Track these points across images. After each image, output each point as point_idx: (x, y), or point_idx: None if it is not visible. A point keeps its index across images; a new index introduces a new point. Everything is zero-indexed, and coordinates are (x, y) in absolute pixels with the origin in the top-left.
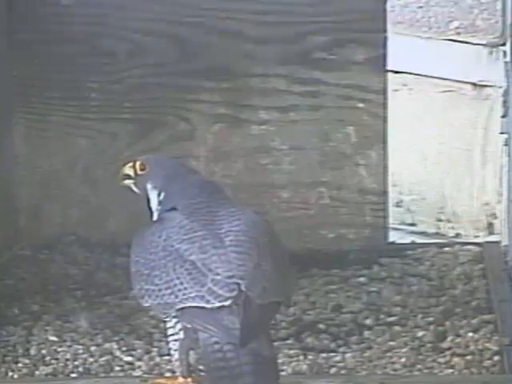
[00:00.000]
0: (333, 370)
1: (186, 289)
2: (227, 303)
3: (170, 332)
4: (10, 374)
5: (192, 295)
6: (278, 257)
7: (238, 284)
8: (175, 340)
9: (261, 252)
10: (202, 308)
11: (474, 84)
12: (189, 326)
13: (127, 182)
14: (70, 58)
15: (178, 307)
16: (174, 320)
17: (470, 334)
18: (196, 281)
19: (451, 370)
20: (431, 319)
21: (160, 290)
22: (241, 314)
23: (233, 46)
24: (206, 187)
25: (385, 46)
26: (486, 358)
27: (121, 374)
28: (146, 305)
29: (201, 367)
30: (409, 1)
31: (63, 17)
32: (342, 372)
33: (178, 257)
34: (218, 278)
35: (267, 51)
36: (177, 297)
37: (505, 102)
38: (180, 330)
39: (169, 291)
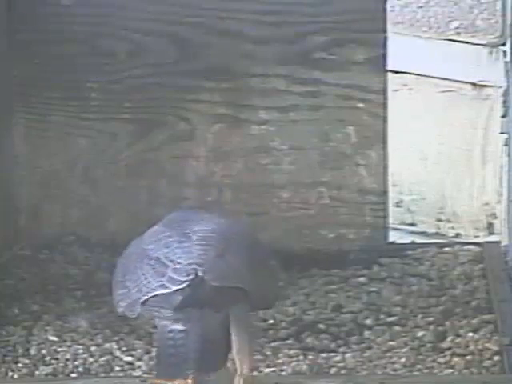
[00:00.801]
0: (333, 370)
1: (149, 282)
2: (182, 286)
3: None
4: (10, 373)
5: (153, 286)
6: (255, 258)
7: (196, 269)
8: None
9: (229, 247)
10: (161, 295)
11: (474, 84)
12: (150, 316)
13: None
14: (70, 57)
15: (141, 301)
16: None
17: (470, 334)
18: (158, 273)
19: (451, 370)
20: (431, 319)
21: (129, 291)
22: (188, 292)
23: (233, 45)
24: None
25: (385, 46)
26: (486, 358)
27: (121, 374)
28: (120, 310)
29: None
30: (409, 1)
31: (63, 17)
32: (342, 372)
33: (144, 256)
34: (178, 266)
35: (267, 51)
36: (141, 291)
37: (505, 102)
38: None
39: (136, 289)
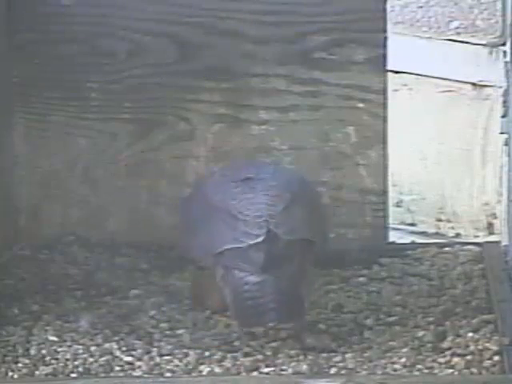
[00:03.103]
0: (333, 370)
1: (221, 234)
2: (257, 241)
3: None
4: (10, 374)
5: (226, 238)
6: (313, 205)
7: (267, 222)
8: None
9: (293, 198)
10: (236, 248)
11: (474, 84)
12: (225, 267)
13: None
14: (70, 57)
15: (216, 252)
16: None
17: (470, 334)
18: (229, 225)
19: (451, 370)
20: (431, 319)
21: (201, 240)
22: (266, 248)
23: (233, 46)
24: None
25: (385, 46)
26: (486, 358)
27: (121, 374)
28: (191, 257)
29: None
30: (409, 1)
31: (63, 17)
32: (342, 372)
33: (213, 207)
34: (248, 219)
35: (267, 51)
36: (214, 242)
37: (505, 102)
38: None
39: (207, 239)
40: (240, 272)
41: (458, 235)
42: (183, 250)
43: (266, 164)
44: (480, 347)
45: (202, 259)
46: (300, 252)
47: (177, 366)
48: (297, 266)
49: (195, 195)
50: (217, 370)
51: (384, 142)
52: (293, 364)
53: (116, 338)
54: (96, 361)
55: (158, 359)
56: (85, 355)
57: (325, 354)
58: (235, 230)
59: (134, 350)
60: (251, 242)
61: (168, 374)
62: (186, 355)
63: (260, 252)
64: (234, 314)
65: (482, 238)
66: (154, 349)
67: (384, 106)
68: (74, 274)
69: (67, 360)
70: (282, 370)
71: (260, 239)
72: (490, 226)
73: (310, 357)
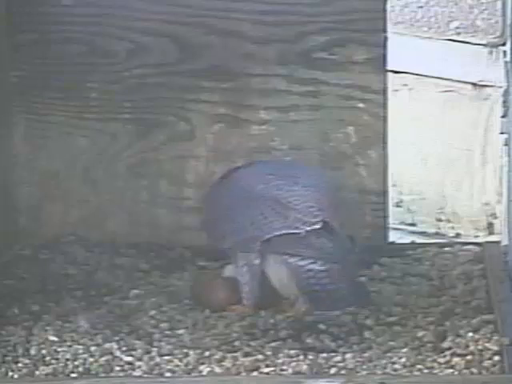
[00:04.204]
0: (333, 370)
1: (270, 222)
2: (315, 227)
3: (243, 267)
4: (10, 373)
5: (278, 226)
6: (342, 201)
7: (319, 213)
8: (248, 272)
9: (332, 192)
10: (291, 235)
11: (474, 84)
12: (276, 254)
13: None
14: (70, 57)
15: (264, 238)
16: (250, 254)
17: (470, 334)
18: (279, 213)
19: (451, 370)
20: (431, 319)
21: (243, 228)
22: (327, 237)
23: (233, 45)
24: None
25: (385, 46)
26: (486, 358)
27: (121, 374)
28: (225, 246)
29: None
30: (409, 1)
31: (63, 17)
32: (342, 372)
33: (256, 195)
34: (299, 208)
35: (267, 51)
36: (262, 230)
37: (505, 102)
38: (256, 262)
39: (253, 226)
40: (303, 262)
41: (458, 235)
42: (213, 238)
43: (290, 161)
44: (480, 347)
45: (239, 245)
46: (349, 244)
47: (177, 366)
48: (350, 255)
49: (229, 184)
50: (217, 369)
51: (384, 141)
52: (293, 364)
53: (116, 338)
54: (96, 361)
55: (158, 359)
56: (85, 355)
57: (325, 354)
58: (287, 217)
59: (134, 350)
60: (308, 229)
61: (168, 374)
62: (186, 355)
63: (321, 239)
64: (305, 299)
65: (482, 238)
66: (154, 349)
67: (384, 106)
68: (73, 274)
69: (67, 360)
70: (282, 370)
71: (318, 226)
72: (490, 226)
73: (309, 357)
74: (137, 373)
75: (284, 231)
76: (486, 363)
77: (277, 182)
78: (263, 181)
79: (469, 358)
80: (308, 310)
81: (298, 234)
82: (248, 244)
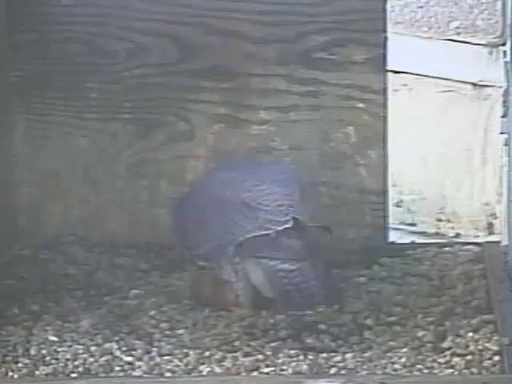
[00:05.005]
0: (333, 370)
1: (241, 225)
2: (284, 227)
3: (227, 269)
4: (10, 374)
5: (249, 228)
6: (312, 193)
7: (288, 211)
8: (233, 272)
9: (301, 187)
10: (262, 237)
11: (474, 84)
12: (250, 257)
13: None
14: (70, 57)
15: (237, 243)
16: (229, 258)
17: (470, 334)
18: (249, 217)
19: (451, 370)
20: (431, 319)
21: (214, 234)
22: (297, 235)
23: (233, 45)
24: None
25: (385, 46)
26: (486, 358)
27: (121, 374)
28: (201, 252)
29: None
30: (409, 1)
31: (63, 17)
32: (342, 372)
33: (224, 201)
34: (268, 208)
35: (267, 51)
36: (234, 234)
37: (505, 102)
38: (236, 263)
39: (224, 232)
40: (274, 263)
41: (458, 235)
42: (187, 247)
43: (253, 160)
44: (480, 347)
45: (214, 252)
46: (321, 239)
47: (177, 366)
48: (321, 252)
49: (195, 194)
50: (217, 369)
51: (384, 141)
52: (293, 364)
53: (116, 338)
54: (96, 361)
55: (158, 359)
56: (85, 355)
57: (325, 354)
58: (257, 219)
59: (134, 350)
60: (276, 229)
61: (168, 374)
62: (186, 355)
63: (292, 238)
64: (281, 304)
65: (482, 238)
66: (154, 349)
67: (384, 106)
68: (73, 274)
69: (67, 360)
70: (282, 370)
71: (289, 225)
72: (490, 226)
73: (310, 357)
74: (137, 373)
75: (255, 233)
76: (486, 363)
77: (243, 184)
78: (230, 184)
79: (469, 358)
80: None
81: (269, 235)
82: (222, 249)
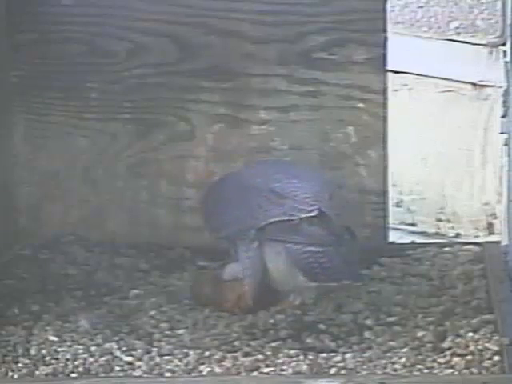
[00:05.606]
0: (333, 370)
1: (266, 211)
2: (310, 215)
3: (242, 253)
4: (10, 374)
5: (273, 214)
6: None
7: (317, 202)
8: (247, 258)
9: (331, 187)
10: (285, 222)
11: (474, 84)
12: (272, 240)
13: None
14: (70, 57)
15: (259, 226)
16: (249, 242)
17: (470, 334)
18: (275, 203)
19: (451, 370)
20: (431, 319)
21: (239, 218)
22: (321, 224)
23: (233, 45)
24: None
25: (385, 46)
26: (486, 358)
27: (121, 374)
28: (222, 235)
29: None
30: (409, 1)
31: (63, 17)
32: (342, 372)
33: (253, 189)
34: (296, 197)
35: (267, 51)
36: (258, 218)
37: (505, 102)
38: (254, 247)
39: (249, 216)
40: (295, 244)
41: (458, 235)
42: (211, 229)
43: (289, 161)
44: (480, 347)
45: (236, 234)
46: (346, 234)
47: (177, 365)
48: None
49: (226, 181)
50: (217, 369)
51: (384, 141)
52: (293, 364)
53: (116, 338)
54: (96, 361)
55: (158, 359)
56: (85, 355)
57: (325, 354)
58: (282, 206)
59: (134, 350)
60: (303, 216)
61: (168, 374)
62: (186, 355)
63: (316, 226)
64: (304, 274)
65: (482, 238)
66: (154, 349)
67: (384, 106)
68: (73, 274)
69: (67, 360)
70: (282, 370)
71: (313, 214)
72: (490, 226)
73: (309, 357)
74: (137, 373)
75: (278, 218)
76: (486, 363)
77: (276, 176)
78: (262, 175)
79: (469, 358)
80: (302, 303)
81: (292, 220)
82: (244, 232)
